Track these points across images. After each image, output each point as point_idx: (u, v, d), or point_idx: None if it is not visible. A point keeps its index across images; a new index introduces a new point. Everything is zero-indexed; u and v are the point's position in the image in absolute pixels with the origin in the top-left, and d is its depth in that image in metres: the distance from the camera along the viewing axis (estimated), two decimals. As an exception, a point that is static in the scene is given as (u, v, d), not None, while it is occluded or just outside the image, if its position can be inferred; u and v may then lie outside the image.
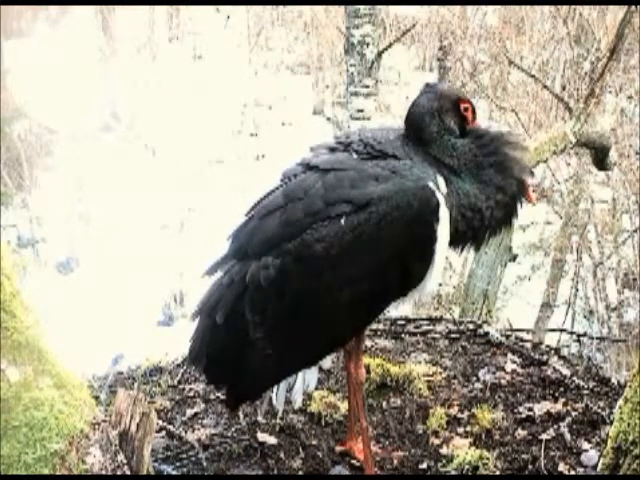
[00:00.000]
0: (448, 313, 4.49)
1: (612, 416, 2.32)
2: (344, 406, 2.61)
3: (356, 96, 5.31)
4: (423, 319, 3.51)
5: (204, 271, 2.20)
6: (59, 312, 7.08)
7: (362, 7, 5.17)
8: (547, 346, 3.28)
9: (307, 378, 2.25)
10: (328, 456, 2.44)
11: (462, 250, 2.19)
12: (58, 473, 1.66)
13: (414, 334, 3.27)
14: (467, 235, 2.13)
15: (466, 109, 2.15)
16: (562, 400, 2.69)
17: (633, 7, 4.62)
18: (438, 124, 2.11)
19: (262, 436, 2.50)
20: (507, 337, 3.24)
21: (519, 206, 2.14)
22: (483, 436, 2.50)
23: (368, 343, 3.08)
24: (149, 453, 1.85)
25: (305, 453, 2.44)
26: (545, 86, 6.81)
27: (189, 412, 2.69)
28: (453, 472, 2.33)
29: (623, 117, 7.67)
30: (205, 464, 2.36)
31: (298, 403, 2.32)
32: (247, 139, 12.25)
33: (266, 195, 2.17)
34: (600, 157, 5.20)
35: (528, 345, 3.21)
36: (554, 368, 2.93)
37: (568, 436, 2.46)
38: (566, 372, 2.90)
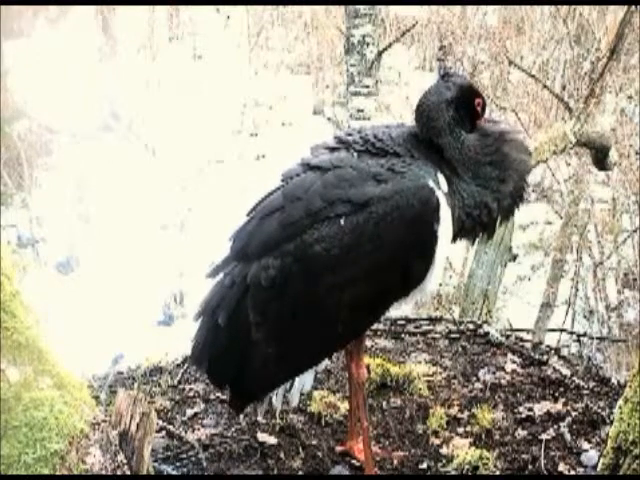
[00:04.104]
0: (448, 313, 4.48)
1: (612, 416, 2.32)
2: (344, 406, 2.61)
3: (356, 96, 5.31)
4: (423, 319, 3.51)
5: (206, 273, 2.20)
6: (59, 312, 7.07)
7: (362, 7, 5.17)
8: (547, 346, 3.28)
9: (303, 378, 2.25)
10: (328, 456, 2.44)
11: (474, 242, 2.22)
12: (58, 473, 1.66)
13: (414, 334, 3.27)
14: (477, 230, 2.15)
15: (478, 104, 2.14)
16: (562, 400, 2.69)
17: (633, 7, 4.62)
18: (451, 114, 2.08)
19: (262, 436, 2.50)
20: (507, 337, 3.25)
21: (522, 192, 2.15)
22: (483, 436, 2.51)
23: (368, 343, 3.08)
24: (149, 453, 1.85)
25: (305, 453, 2.44)
26: (545, 86, 6.80)
27: (189, 412, 2.68)
28: (453, 472, 2.33)
29: (623, 117, 7.67)
30: (205, 464, 2.36)
31: (294, 403, 2.32)
32: (247, 139, 12.22)
33: (266, 196, 2.17)
34: (600, 157, 5.18)
35: (528, 345, 3.21)
36: (554, 368, 2.93)
37: (568, 436, 2.46)
38: (566, 372, 2.90)
